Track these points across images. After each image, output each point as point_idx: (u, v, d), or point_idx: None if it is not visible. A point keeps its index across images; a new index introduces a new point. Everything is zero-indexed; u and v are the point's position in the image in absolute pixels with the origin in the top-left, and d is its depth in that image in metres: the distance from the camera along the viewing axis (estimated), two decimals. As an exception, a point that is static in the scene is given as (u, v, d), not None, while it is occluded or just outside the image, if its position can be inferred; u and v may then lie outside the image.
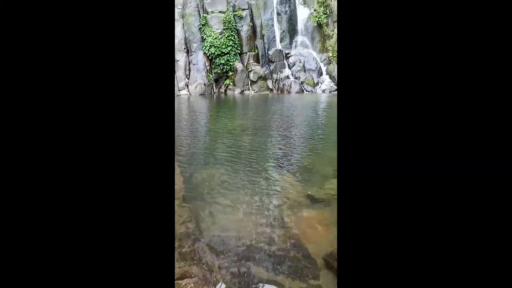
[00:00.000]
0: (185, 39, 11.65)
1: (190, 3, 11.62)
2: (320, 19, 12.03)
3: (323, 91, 11.49)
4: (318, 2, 12.02)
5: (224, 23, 11.47)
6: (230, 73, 11.82)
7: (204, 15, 11.57)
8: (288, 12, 12.13)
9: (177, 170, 2.83)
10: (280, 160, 3.16)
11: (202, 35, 11.57)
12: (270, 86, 12.11)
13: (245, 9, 11.79)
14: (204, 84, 11.68)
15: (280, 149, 3.55)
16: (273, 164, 3.02)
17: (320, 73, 12.03)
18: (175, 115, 6.76)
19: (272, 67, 12.13)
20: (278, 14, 12.06)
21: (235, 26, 11.67)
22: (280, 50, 12.14)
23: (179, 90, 11.47)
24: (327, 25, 12.19)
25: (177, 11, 11.51)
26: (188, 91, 11.60)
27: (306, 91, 11.55)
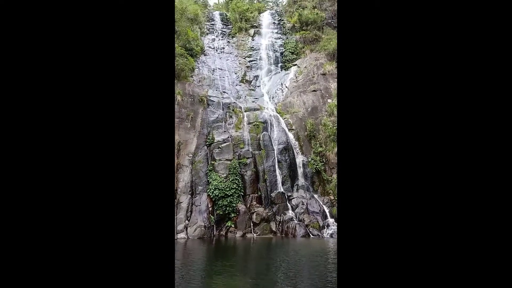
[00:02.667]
0: (192, 182, 12.31)
1: (200, 152, 13.17)
2: (317, 166, 13.11)
3: (331, 235, 10.76)
4: (314, 153, 13.54)
5: (229, 169, 12.47)
6: (232, 215, 11.59)
7: (212, 162, 12.80)
8: (288, 160, 13.43)
9: None
10: None
11: (208, 179, 12.29)
12: (274, 229, 11.53)
13: (249, 157, 13.17)
14: (205, 227, 11.21)
15: None
16: None
17: (324, 216, 11.73)
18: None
19: (275, 209, 12.03)
20: (279, 161, 13.32)
21: (240, 171, 12.62)
22: (282, 192, 12.48)
23: (176, 234, 10.85)
24: (324, 171, 13.15)
25: (187, 158, 12.84)
26: (187, 234, 10.98)
27: (313, 235, 10.84)
